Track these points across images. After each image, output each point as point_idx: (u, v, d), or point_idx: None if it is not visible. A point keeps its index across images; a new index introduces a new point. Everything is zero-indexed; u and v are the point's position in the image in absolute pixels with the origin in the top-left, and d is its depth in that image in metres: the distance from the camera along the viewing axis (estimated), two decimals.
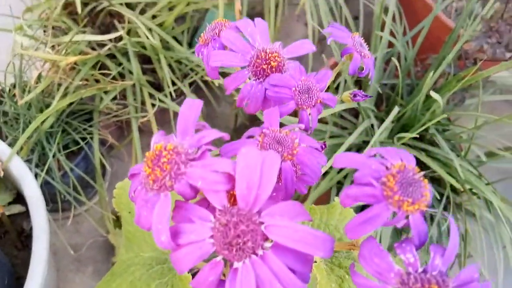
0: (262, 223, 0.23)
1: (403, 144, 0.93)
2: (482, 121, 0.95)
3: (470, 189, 0.94)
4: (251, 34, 0.33)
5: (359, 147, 0.95)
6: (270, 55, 0.32)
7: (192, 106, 0.25)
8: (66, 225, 0.90)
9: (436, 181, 1.00)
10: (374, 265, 0.22)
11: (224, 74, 0.35)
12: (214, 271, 0.22)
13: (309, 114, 0.31)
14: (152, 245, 0.49)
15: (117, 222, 0.89)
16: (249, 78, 0.32)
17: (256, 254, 0.22)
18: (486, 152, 1.01)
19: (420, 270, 0.21)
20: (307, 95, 0.31)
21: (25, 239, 0.70)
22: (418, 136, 0.99)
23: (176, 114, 1.00)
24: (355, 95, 0.35)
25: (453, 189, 0.97)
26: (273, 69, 0.32)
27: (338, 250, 0.37)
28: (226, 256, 0.22)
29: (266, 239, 0.22)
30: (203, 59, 0.34)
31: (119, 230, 0.89)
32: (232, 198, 0.24)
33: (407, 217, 0.22)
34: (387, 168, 0.22)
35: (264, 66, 0.31)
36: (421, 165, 0.96)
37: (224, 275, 0.24)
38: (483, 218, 0.94)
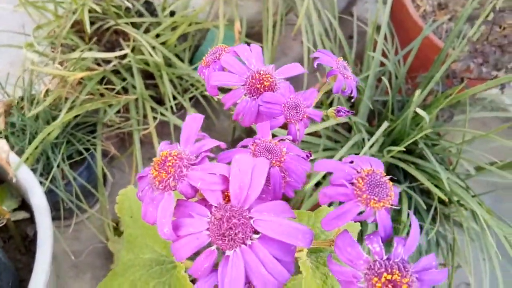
0: (251, 218, 0.26)
1: (393, 157, 0.97)
2: (471, 136, 1.00)
3: (458, 201, 0.98)
4: (247, 58, 0.37)
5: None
6: (263, 76, 0.36)
7: (195, 119, 0.30)
8: (67, 232, 0.93)
9: (425, 192, 1.04)
10: (346, 253, 0.26)
11: (222, 90, 0.40)
12: (209, 258, 0.26)
13: (297, 127, 0.35)
14: (151, 247, 0.52)
15: (116, 230, 0.92)
16: (245, 95, 0.36)
17: (245, 244, 0.26)
18: (476, 166, 1.05)
19: (384, 257, 0.25)
20: (295, 111, 0.35)
21: (28, 244, 0.74)
22: (408, 150, 1.04)
23: (176, 127, 1.05)
24: (338, 111, 0.39)
25: (441, 201, 1.01)
26: (266, 88, 0.36)
27: (322, 250, 0.41)
28: (220, 245, 0.26)
29: (254, 231, 0.26)
30: (204, 78, 0.39)
31: (118, 238, 0.92)
32: (226, 197, 0.28)
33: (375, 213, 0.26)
34: (358, 172, 0.26)
35: (258, 86, 0.36)
36: (410, 177, 1.00)
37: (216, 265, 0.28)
38: (470, 229, 0.98)
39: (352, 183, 0.26)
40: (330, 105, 1.11)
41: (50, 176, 0.81)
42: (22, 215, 0.74)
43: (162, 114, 0.96)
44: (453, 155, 1.02)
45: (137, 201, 0.58)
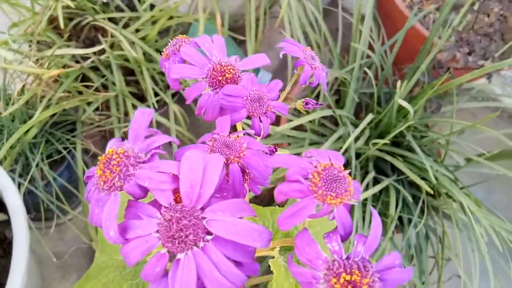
0: (204, 218, 0.25)
1: (380, 150, 0.96)
2: (459, 127, 0.99)
3: (446, 193, 0.96)
4: (209, 49, 0.35)
5: None
6: (225, 67, 0.34)
7: (143, 114, 0.28)
8: (49, 234, 0.91)
9: (414, 185, 1.03)
10: (305, 253, 0.24)
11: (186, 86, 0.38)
12: (160, 262, 0.25)
13: (260, 121, 0.34)
14: None
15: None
16: (207, 89, 0.35)
17: (198, 246, 0.24)
18: (465, 158, 1.04)
19: (344, 256, 0.24)
20: (258, 104, 0.33)
21: (7, 247, 0.72)
22: (396, 142, 1.03)
23: (159, 124, 1.03)
24: (307, 103, 0.37)
25: (430, 193, 1.00)
26: (228, 80, 0.34)
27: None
28: (170, 248, 0.24)
29: (207, 232, 0.25)
30: (165, 71, 0.37)
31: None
32: (178, 196, 0.26)
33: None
34: (314, 166, 0.25)
35: (220, 78, 0.34)
36: (398, 170, 0.99)
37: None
38: (459, 220, 0.97)
39: (308, 179, 0.24)
40: (317, 97, 1.10)
41: (29, 176, 0.79)
42: (1, 217, 0.72)
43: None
44: (441, 146, 1.01)
45: None
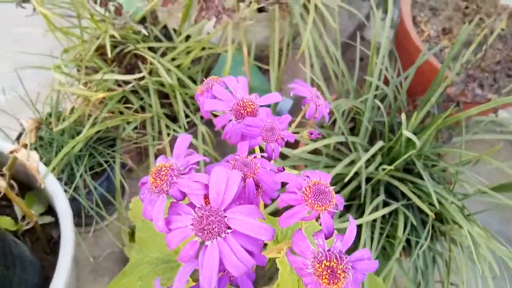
0: (225, 216, 0.34)
1: (390, 175, 1.03)
2: (468, 157, 1.05)
3: (452, 220, 1.02)
4: (234, 88, 0.45)
5: (352, 178, 1.05)
6: (246, 103, 0.44)
7: (184, 139, 0.38)
8: (87, 238, 1.02)
9: (422, 211, 1.09)
10: (298, 246, 0.33)
11: (215, 115, 0.48)
12: (193, 247, 0.34)
13: (272, 146, 0.43)
14: (159, 247, 0.60)
15: (132, 236, 1.01)
16: (232, 119, 0.44)
17: (220, 236, 0.33)
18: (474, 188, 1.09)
19: (326, 249, 0.32)
20: (271, 133, 0.42)
21: (53, 246, 0.83)
22: (407, 169, 1.10)
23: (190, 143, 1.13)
24: (311, 133, 0.46)
25: (439, 219, 1.06)
26: (248, 113, 0.44)
27: None
28: (201, 237, 0.33)
29: (228, 227, 0.34)
30: (200, 104, 0.47)
31: (133, 244, 1.00)
32: (208, 200, 0.35)
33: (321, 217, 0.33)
34: (307, 182, 0.34)
35: (242, 111, 0.44)
36: (406, 195, 1.05)
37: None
38: (465, 247, 1.02)
39: (302, 191, 0.33)
40: (333, 124, 1.18)
41: (74, 185, 0.90)
42: (48, 219, 0.83)
43: (175, 130, 1.05)
44: (451, 175, 1.07)
45: None
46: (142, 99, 1.05)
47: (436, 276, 1.05)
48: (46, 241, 0.82)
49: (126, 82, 1.06)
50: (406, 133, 0.83)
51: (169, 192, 0.35)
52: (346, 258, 0.32)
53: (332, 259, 0.31)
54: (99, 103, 0.96)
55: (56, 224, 0.84)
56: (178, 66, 1.10)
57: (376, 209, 0.97)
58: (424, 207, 0.88)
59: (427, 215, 1.09)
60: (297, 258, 0.33)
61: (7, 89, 0.99)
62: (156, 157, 1.04)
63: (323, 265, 0.31)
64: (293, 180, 0.34)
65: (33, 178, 0.82)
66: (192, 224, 0.34)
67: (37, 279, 0.75)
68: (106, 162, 0.97)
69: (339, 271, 0.31)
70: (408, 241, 1.04)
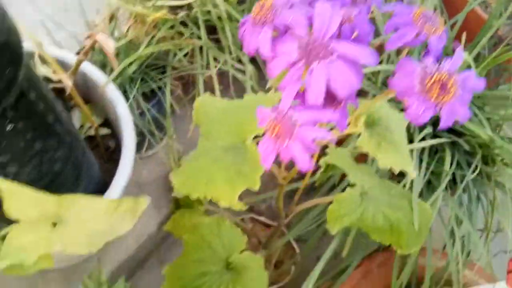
0: (329, 45, 0.35)
1: None
2: None
3: (502, 160, 1.02)
4: None
5: None
6: None
7: None
8: (136, 160, 1.04)
9: (467, 153, 1.08)
10: (404, 68, 0.34)
11: None
12: (298, 71, 0.35)
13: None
14: (226, 138, 0.62)
15: (178, 162, 1.03)
16: None
17: (326, 60, 0.34)
18: None
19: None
20: None
21: (110, 154, 0.86)
22: None
23: (234, 79, 1.14)
24: None
25: (485, 162, 1.05)
26: None
27: (376, 123, 0.49)
28: (306, 60, 0.34)
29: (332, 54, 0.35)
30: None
31: (178, 169, 1.03)
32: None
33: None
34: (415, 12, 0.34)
35: None
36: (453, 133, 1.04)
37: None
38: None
39: (412, 16, 0.34)
40: None
41: (127, 104, 0.93)
42: (105, 131, 0.86)
43: (224, 63, 1.06)
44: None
45: (213, 106, 0.67)
46: (191, 32, 1.06)
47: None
48: (104, 150, 0.85)
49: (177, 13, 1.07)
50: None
51: (275, 23, 0.36)
52: (456, 75, 0.32)
53: (443, 73, 0.32)
54: (154, 27, 0.98)
55: (112, 135, 0.87)
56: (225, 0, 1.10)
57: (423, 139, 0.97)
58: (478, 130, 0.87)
59: (472, 156, 1.08)
60: (401, 80, 0.34)
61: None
62: (204, 87, 1.05)
63: (433, 80, 0.32)
64: (403, 13, 0.34)
65: (92, 91, 0.85)
66: (298, 49, 0.35)
67: (98, 179, 0.78)
68: (157, 87, 1.00)
69: (449, 85, 0.31)
70: (453, 180, 1.04)
